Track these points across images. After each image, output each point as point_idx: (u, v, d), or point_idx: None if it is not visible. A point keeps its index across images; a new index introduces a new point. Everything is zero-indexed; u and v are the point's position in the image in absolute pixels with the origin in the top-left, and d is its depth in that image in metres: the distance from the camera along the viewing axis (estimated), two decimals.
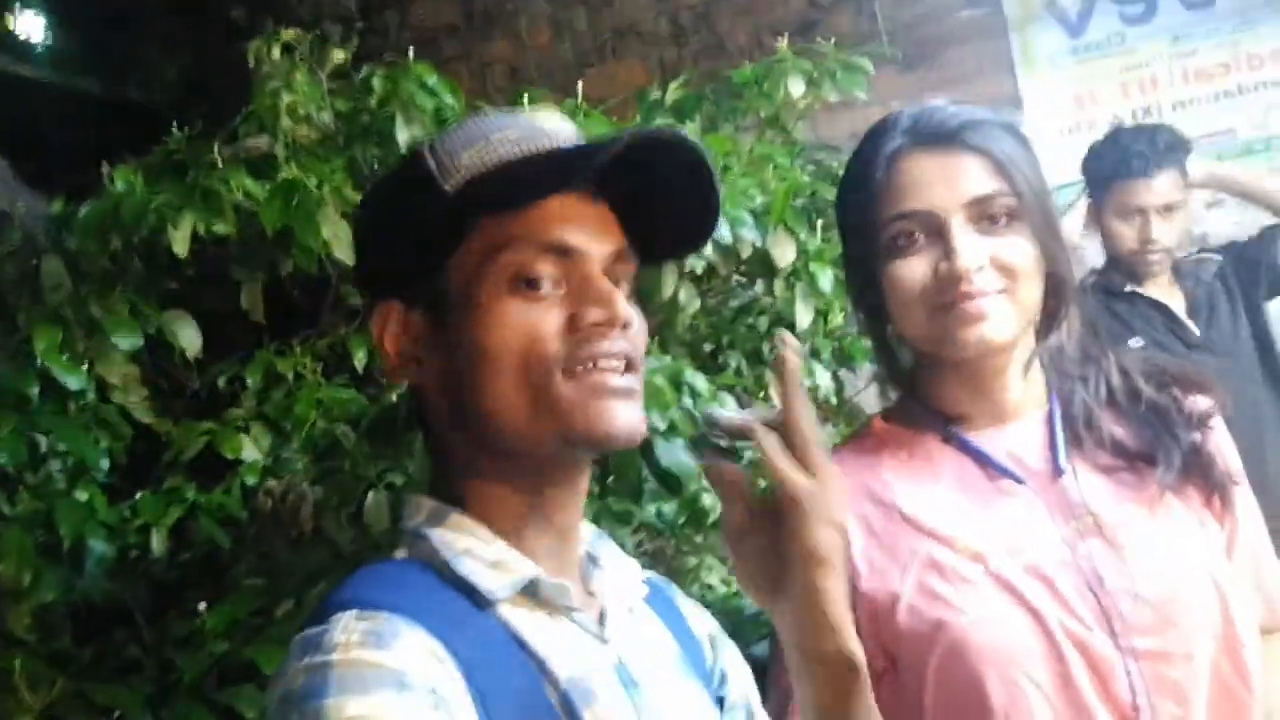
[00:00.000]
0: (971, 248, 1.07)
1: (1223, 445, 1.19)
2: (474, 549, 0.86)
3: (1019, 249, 1.09)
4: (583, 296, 0.85)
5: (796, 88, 2.11)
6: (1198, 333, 2.58)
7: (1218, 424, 1.19)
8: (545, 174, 0.86)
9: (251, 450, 1.73)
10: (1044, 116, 3.62)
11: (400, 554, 0.90)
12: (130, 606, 1.57)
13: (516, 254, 0.85)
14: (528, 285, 0.85)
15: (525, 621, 0.86)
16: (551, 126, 0.91)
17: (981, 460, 1.15)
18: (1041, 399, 1.18)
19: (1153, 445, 1.14)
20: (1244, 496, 1.18)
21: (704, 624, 1.05)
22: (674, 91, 2.34)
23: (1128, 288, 2.61)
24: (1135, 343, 2.55)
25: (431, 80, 1.83)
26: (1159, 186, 2.51)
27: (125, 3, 3.97)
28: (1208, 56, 3.54)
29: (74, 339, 1.63)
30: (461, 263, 0.86)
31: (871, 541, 1.13)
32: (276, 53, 1.87)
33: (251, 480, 1.64)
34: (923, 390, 1.19)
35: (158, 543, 1.51)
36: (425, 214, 0.88)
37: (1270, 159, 3.50)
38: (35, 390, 1.50)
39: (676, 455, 1.49)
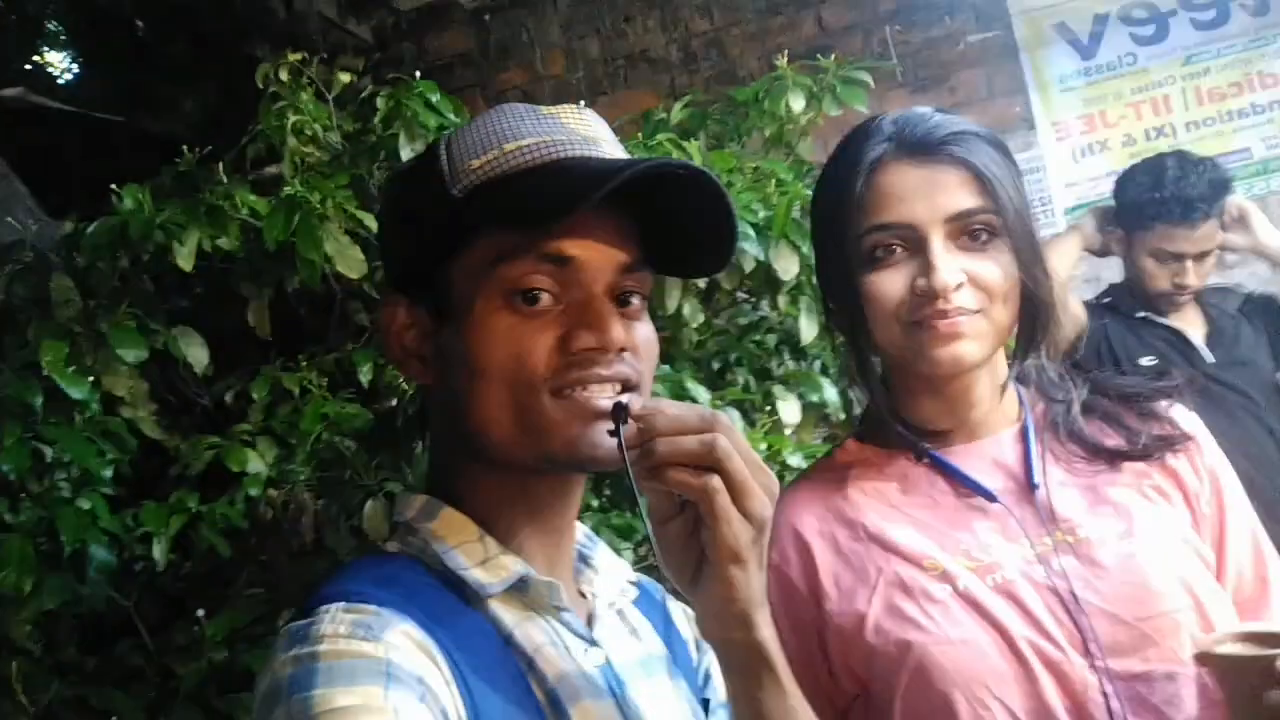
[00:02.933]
0: (950, 265, 1.05)
1: (1205, 447, 1.17)
2: (465, 545, 0.86)
3: (997, 268, 1.07)
4: (578, 317, 0.84)
5: (797, 103, 2.13)
6: (1210, 360, 2.54)
7: (1197, 431, 1.18)
8: (553, 196, 0.82)
9: (257, 463, 1.75)
10: (1056, 138, 3.61)
11: (391, 547, 0.90)
12: (133, 616, 1.58)
13: (514, 266, 0.83)
14: (523, 299, 0.83)
15: (513, 619, 0.86)
16: (574, 125, 0.89)
17: (954, 477, 1.12)
18: (1014, 415, 1.16)
19: (1126, 438, 1.13)
20: (1238, 499, 1.17)
21: (691, 626, 1.04)
22: (679, 111, 2.36)
23: (1140, 314, 2.57)
24: (1147, 361, 2.52)
25: (435, 98, 1.86)
26: (1200, 236, 2.45)
27: (149, 40, 4.07)
28: (1220, 76, 3.53)
29: (81, 353, 1.66)
30: (463, 268, 0.86)
31: (839, 561, 1.11)
32: (284, 75, 1.90)
33: (255, 492, 1.66)
34: (896, 402, 1.16)
35: (159, 552, 1.52)
36: (432, 214, 0.87)
37: None
38: (39, 400, 1.52)
39: None
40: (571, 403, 0.83)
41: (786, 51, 2.38)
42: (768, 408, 2.09)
